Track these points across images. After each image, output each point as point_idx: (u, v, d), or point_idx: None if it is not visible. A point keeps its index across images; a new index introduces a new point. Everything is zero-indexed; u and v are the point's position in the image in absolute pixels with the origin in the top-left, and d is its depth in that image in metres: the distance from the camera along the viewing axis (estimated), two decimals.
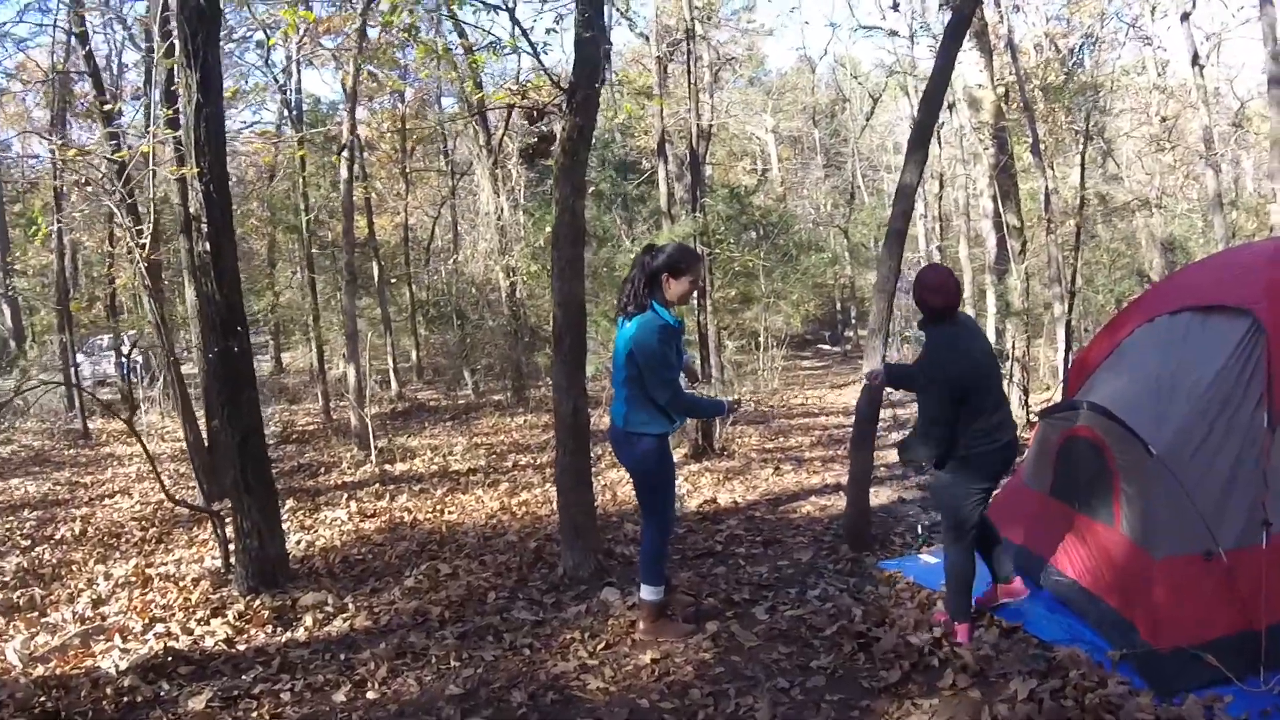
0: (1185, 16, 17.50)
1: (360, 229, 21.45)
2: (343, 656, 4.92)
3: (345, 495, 9.47)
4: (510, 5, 5.81)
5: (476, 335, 19.63)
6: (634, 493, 5.23)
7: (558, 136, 5.76)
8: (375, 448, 11.49)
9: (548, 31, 6.20)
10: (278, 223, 21.52)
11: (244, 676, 4.68)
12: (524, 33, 5.56)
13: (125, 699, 4.42)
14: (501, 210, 16.77)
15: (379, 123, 20.73)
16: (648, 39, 13.95)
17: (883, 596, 5.41)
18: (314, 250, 18.95)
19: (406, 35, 6.51)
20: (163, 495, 7.54)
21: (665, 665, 4.60)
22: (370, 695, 4.41)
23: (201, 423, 9.40)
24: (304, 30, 15.09)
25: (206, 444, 9.13)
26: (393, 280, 22.80)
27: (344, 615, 5.60)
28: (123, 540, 8.20)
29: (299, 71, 17.99)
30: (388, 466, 11.11)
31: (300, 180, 17.56)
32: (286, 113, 18.50)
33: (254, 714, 4.26)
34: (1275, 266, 5.02)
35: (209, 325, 5.87)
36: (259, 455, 6.20)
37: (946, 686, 4.17)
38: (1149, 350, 5.35)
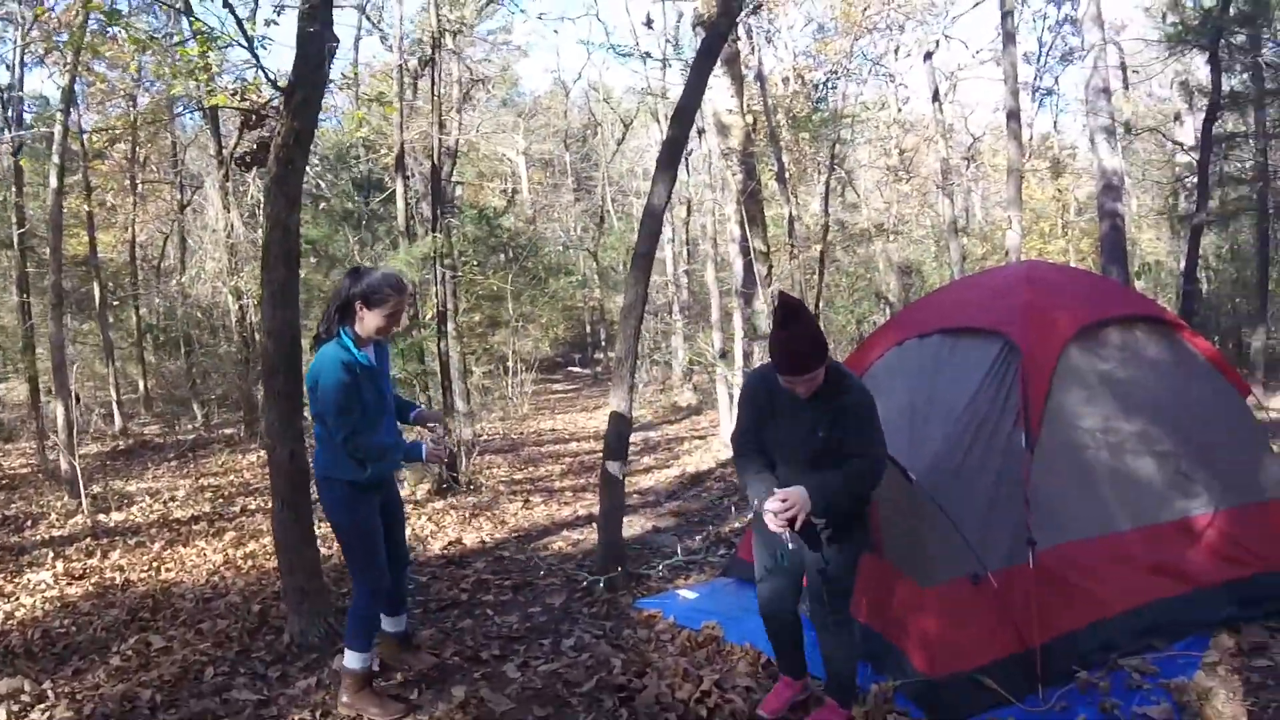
0: (928, 56, 18.68)
1: (81, 245, 19.54)
2: None
3: (51, 553, 8.28)
4: None
5: (205, 363, 18.20)
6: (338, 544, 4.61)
7: (273, 146, 5.08)
8: (87, 495, 10.16)
9: (267, 24, 5.49)
10: None
11: None
12: (239, 23, 4.89)
13: None
14: (232, 226, 15.58)
15: (108, 127, 18.82)
16: (392, 48, 13.34)
17: (642, 641, 5.03)
18: (30, 269, 17.01)
19: (108, 19, 5.68)
20: None
21: None
22: None
23: None
24: (31, 22, 13.55)
25: None
26: (116, 303, 20.95)
27: (43, 705, 4.68)
28: None
29: (20, 68, 16.03)
30: (101, 516, 9.87)
31: (12, 190, 15.59)
32: (3, 112, 16.42)
33: None
34: (1030, 289, 5.14)
35: None
36: None
37: None
38: (900, 374, 5.35)
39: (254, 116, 5.67)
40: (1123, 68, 24.72)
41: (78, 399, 11.39)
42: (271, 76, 5.09)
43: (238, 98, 5.95)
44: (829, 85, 18.83)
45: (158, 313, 22.29)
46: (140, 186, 21.18)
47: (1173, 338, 5.35)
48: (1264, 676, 4.17)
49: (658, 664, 4.62)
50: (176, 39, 13.52)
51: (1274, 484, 5.07)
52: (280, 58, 45.88)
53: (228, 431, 17.10)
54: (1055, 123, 29.34)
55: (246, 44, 5.02)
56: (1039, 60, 20.83)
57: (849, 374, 3.83)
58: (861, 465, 3.65)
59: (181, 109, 19.28)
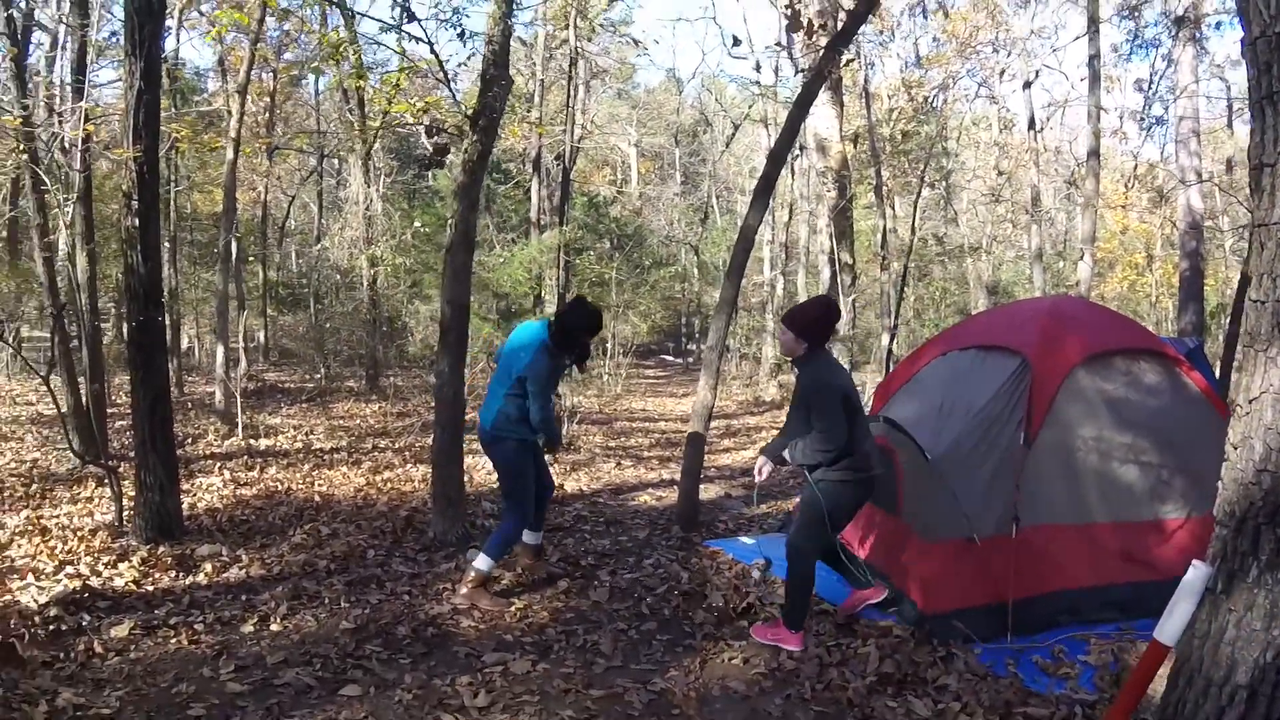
0: (1027, 85, 19.22)
1: (215, 203, 21.26)
2: (244, 597, 5.51)
3: (217, 465, 9.80)
4: (431, 39, 6.49)
5: (336, 321, 19.83)
6: (499, 482, 6.03)
7: (460, 160, 6.39)
8: (241, 422, 11.87)
9: (460, 65, 6.82)
10: None
11: (157, 611, 5.20)
12: (441, 65, 6.23)
13: (52, 627, 4.85)
14: (370, 200, 17.18)
15: (254, 96, 20.35)
16: (530, 46, 14.55)
17: (706, 567, 6.37)
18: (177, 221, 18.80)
19: (335, 55, 7.05)
20: (37, 455, 8.43)
21: (525, 611, 5.48)
22: (274, 628, 5.04)
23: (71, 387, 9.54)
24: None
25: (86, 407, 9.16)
26: (251, 259, 22.78)
27: (239, 564, 6.16)
28: (5, 495, 8.18)
29: (177, 37, 17.76)
30: (252, 441, 11.47)
31: (176, 152, 17.20)
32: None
33: (173, 641, 4.80)
34: (1049, 318, 6.21)
35: (132, 295, 6.33)
36: (165, 416, 6.65)
37: None
38: (939, 378, 6.48)
39: (435, 129, 6.96)
40: (1229, 104, 24.58)
41: (219, 342, 13.11)
42: (461, 107, 6.41)
43: (424, 113, 7.26)
44: (932, 103, 19.37)
45: (279, 270, 23.88)
46: (273, 150, 22.74)
47: (1172, 371, 6.33)
48: None
49: (715, 580, 5.99)
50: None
51: None
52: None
53: (349, 383, 18.71)
54: (1163, 152, 28.70)
55: (445, 80, 6.37)
56: (1149, 88, 20.45)
57: (817, 364, 4.97)
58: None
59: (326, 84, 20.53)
